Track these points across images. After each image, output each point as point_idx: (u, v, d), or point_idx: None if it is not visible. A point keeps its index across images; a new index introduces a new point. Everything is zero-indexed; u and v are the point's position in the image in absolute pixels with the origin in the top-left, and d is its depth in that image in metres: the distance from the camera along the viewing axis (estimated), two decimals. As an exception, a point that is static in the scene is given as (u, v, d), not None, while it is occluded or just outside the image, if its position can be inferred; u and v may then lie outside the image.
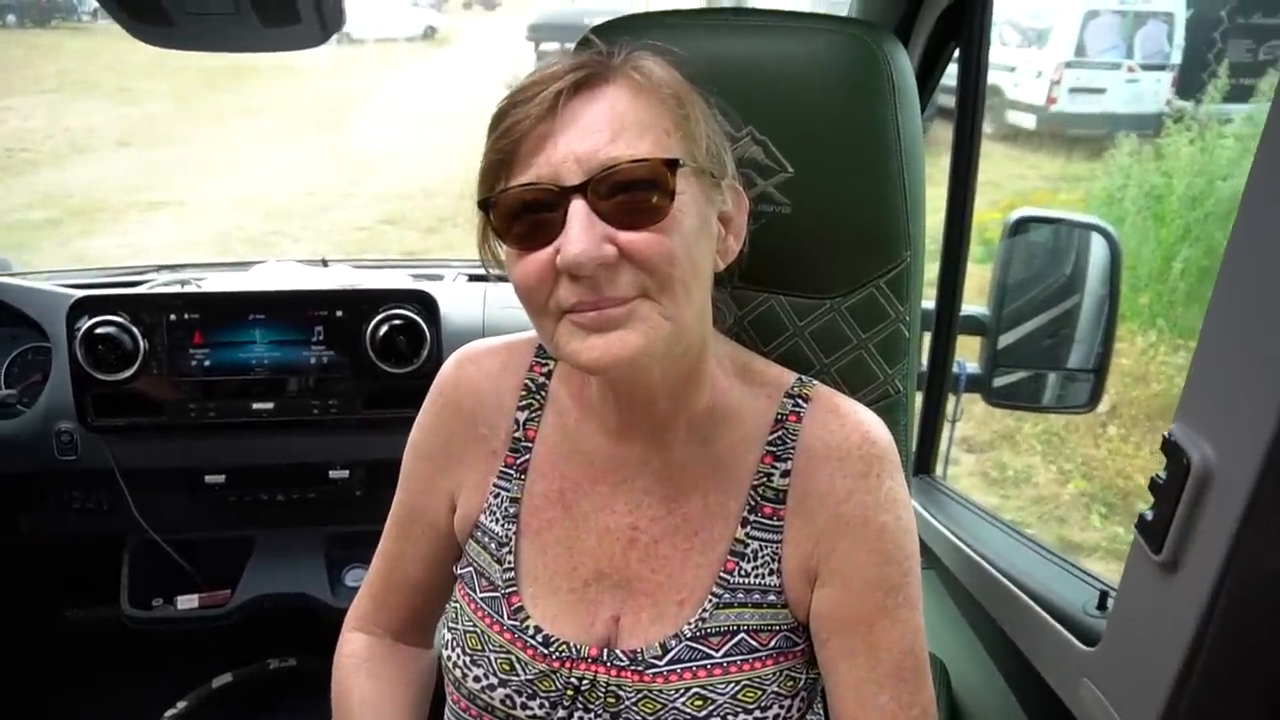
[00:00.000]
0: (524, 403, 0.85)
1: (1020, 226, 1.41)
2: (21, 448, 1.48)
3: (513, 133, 0.69)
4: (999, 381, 1.44)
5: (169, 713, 1.68)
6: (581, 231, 0.65)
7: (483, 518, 0.83)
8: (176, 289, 1.57)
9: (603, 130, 0.68)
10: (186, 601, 1.58)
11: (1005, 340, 1.44)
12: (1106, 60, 8.51)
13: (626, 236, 0.67)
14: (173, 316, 1.47)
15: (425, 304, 1.51)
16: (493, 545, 0.82)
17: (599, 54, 0.73)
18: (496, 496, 0.83)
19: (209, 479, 1.56)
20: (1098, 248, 1.38)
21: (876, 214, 0.85)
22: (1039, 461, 3.68)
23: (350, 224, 7.62)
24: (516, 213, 0.69)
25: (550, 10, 7.57)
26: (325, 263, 1.75)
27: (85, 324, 1.44)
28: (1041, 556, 1.08)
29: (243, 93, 11.59)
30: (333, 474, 1.58)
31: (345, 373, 1.52)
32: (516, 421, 0.84)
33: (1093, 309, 1.42)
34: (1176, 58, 8.28)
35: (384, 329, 1.48)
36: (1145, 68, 8.32)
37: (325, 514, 1.64)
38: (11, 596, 1.81)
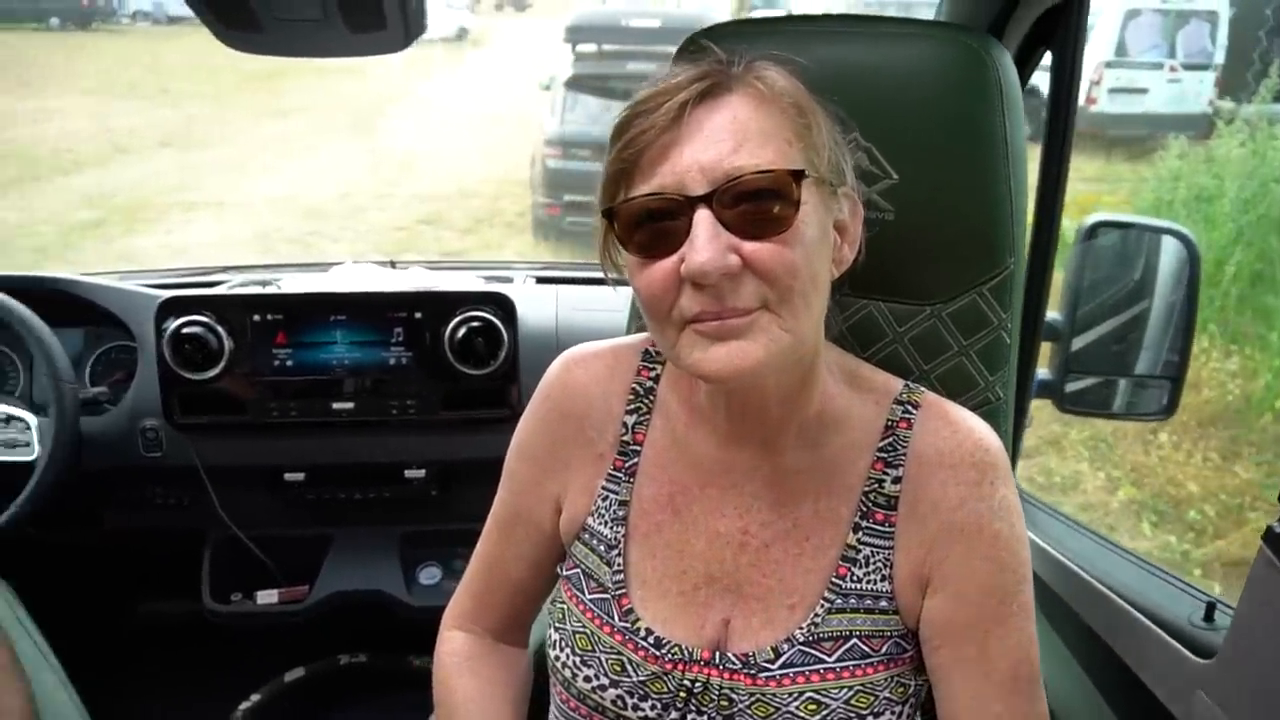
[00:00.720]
0: (632, 407, 0.86)
1: (1095, 231, 1.40)
2: (107, 445, 1.52)
3: (637, 143, 0.70)
4: (1070, 387, 1.43)
5: (243, 705, 1.72)
6: (707, 241, 0.66)
7: (590, 520, 0.84)
8: (257, 290, 1.60)
9: (726, 140, 0.68)
10: (266, 596, 1.62)
11: (1076, 345, 1.44)
12: (1147, 60, 8.40)
13: (750, 247, 0.67)
14: (256, 317, 1.51)
15: (503, 306, 1.53)
16: (601, 548, 0.83)
17: (719, 62, 0.74)
18: (605, 499, 0.84)
19: (289, 477, 1.59)
20: (1172, 251, 1.37)
21: (982, 221, 0.85)
22: (1086, 468, 3.64)
23: (388, 224, 7.70)
24: (640, 221, 0.70)
25: (587, 12, 7.55)
26: (394, 264, 1.78)
27: (173, 324, 1.48)
28: (1136, 566, 1.07)
29: (278, 94, 11.74)
30: (408, 474, 1.60)
31: (423, 373, 1.54)
32: (625, 425, 0.85)
33: (1163, 314, 1.41)
34: (1220, 57, 8.16)
35: (462, 331, 1.50)
36: (1187, 67, 8.21)
37: (400, 513, 1.67)
38: (91, 590, 1.86)
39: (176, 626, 1.86)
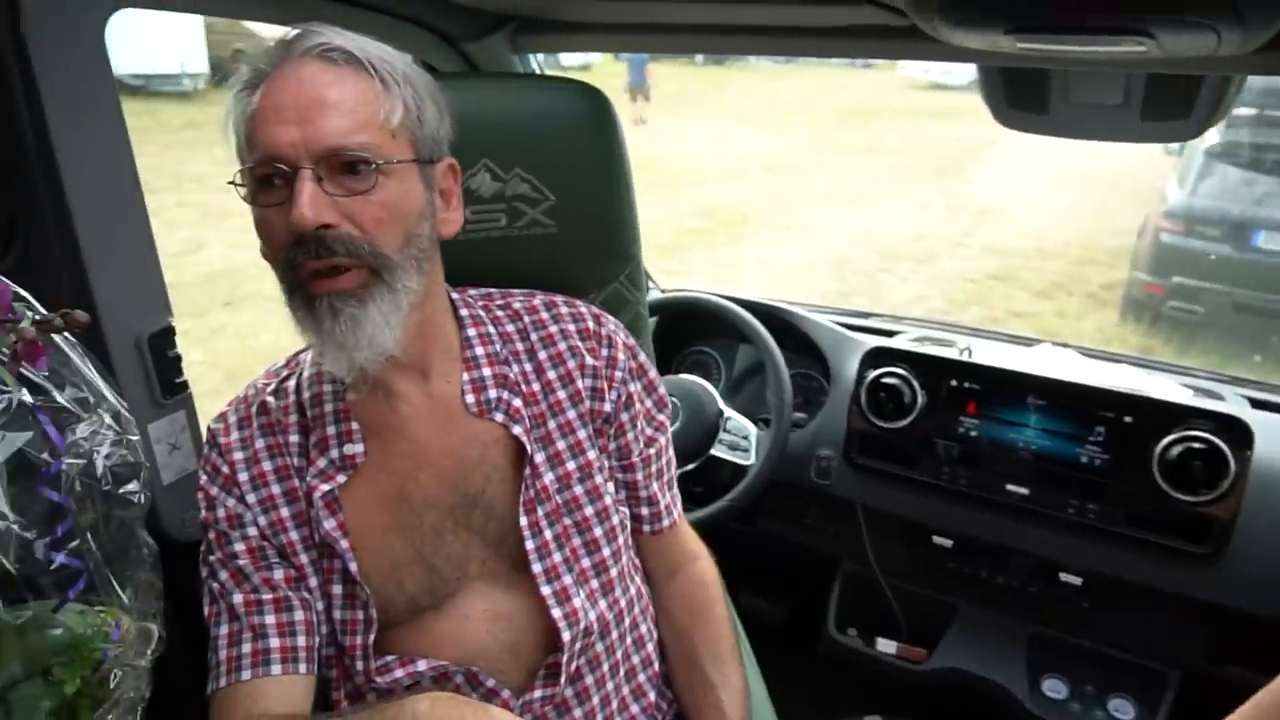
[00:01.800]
0: None
1: None
2: (788, 461, 1.69)
3: None
4: None
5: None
6: None
7: None
8: (954, 354, 1.63)
9: None
10: (885, 644, 1.66)
11: None
12: None
13: None
14: (954, 382, 1.54)
15: (1235, 430, 1.34)
16: None
17: None
18: None
19: (937, 540, 1.61)
20: None
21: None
22: None
23: (959, 274, 7.57)
24: None
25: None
26: (1095, 356, 1.68)
27: (874, 373, 1.58)
28: None
29: (872, 133, 12.30)
30: (1064, 577, 1.51)
31: (1117, 481, 1.43)
32: None
33: None
34: None
35: (1178, 450, 1.35)
36: None
37: (1037, 612, 1.59)
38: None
39: (769, 626, 2.01)
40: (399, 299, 0.86)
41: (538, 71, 1.64)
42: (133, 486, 0.74)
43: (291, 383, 0.99)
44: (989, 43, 1.06)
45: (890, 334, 1.84)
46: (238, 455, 0.95)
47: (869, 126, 12.68)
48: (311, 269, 0.82)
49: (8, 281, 0.75)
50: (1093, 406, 1.44)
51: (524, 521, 0.96)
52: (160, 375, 1.14)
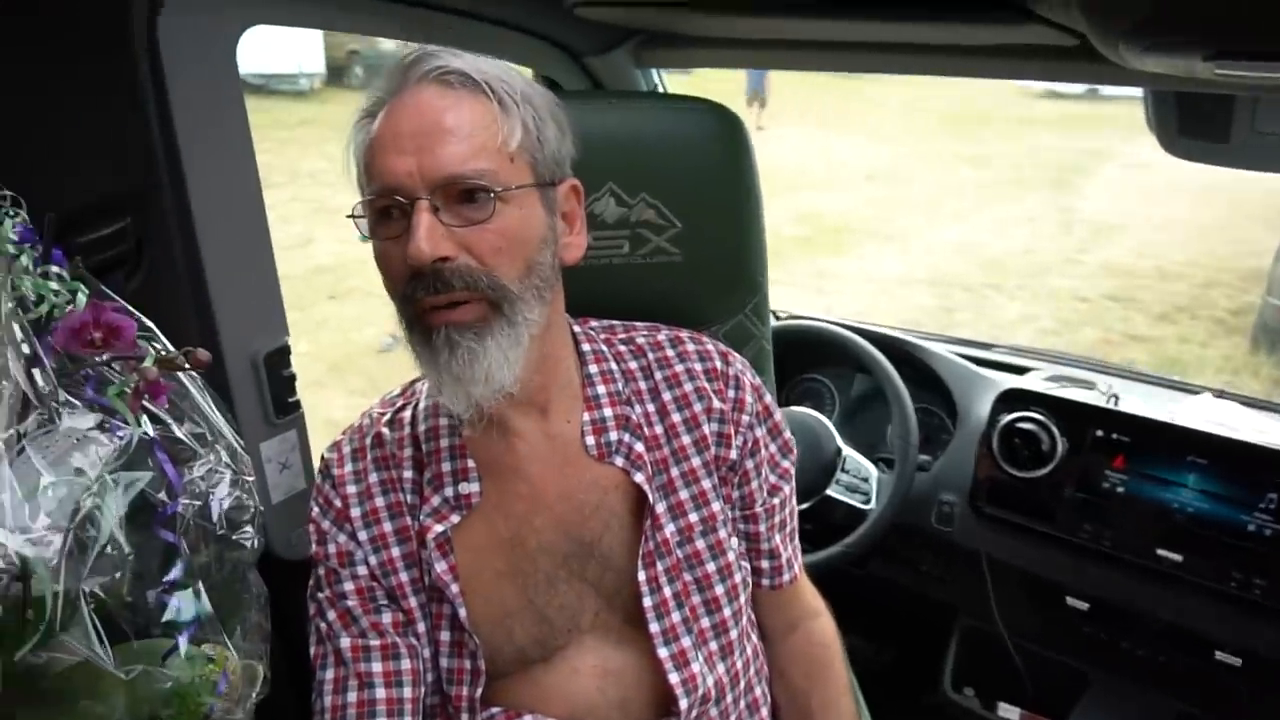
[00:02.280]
0: None
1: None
2: (908, 503, 1.58)
3: None
4: None
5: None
6: None
7: None
8: (1098, 399, 1.50)
9: None
10: (1008, 710, 1.54)
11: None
12: None
13: None
14: (1099, 432, 1.41)
15: None
16: None
17: None
18: None
19: (1071, 601, 1.48)
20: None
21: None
22: None
23: (1070, 292, 7.21)
24: None
25: None
26: (1260, 406, 1.52)
27: (1008, 417, 1.46)
28: None
29: (977, 141, 11.86)
30: (1219, 656, 1.36)
31: (1290, 555, 1.28)
32: None
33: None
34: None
35: (1369, 525, 1.20)
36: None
37: (1185, 690, 1.44)
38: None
39: (873, 670, 1.90)
40: (519, 333, 0.82)
41: (659, 85, 1.58)
42: (248, 532, 0.71)
43: (407, 414, 0.95)
44: (1181, 69, 0.94)
45: (1020, 370, 1.71)
46: (351, 489, 0.92)
47: (978, 135, 12.24)
48: (429, 304, 0.79)
49: (133, 310, 0.73)
50: (1266, 470, 1.29)
51: (642, 576, 0.90)
52: (274, 394, 1.12)
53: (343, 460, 0.94)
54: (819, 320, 1.71)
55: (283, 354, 1.12)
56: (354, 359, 5.23)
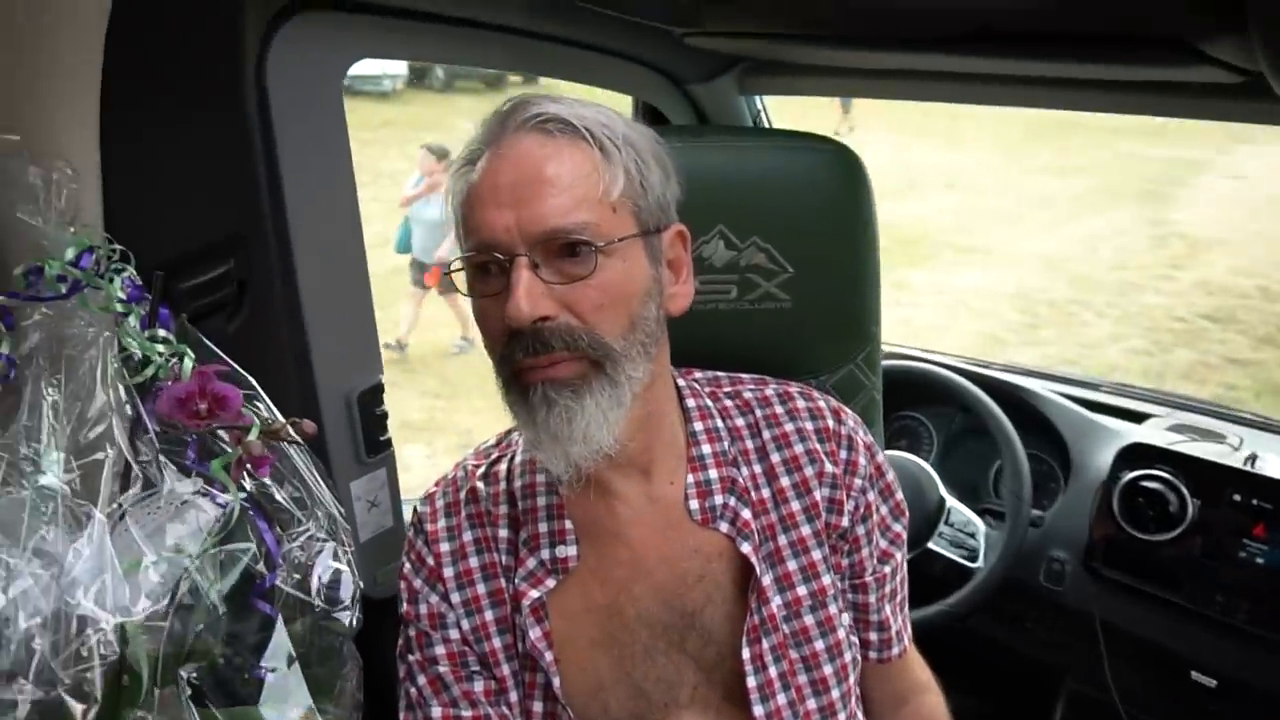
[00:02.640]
0: None
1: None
2: (1011, 552, 1.49)
3: None
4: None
5: None
6: None
7: None
8: (1234, 457, 1.37)
9: None
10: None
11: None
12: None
13: None
14: (1237, 496, 1.29)
15: None
16: None
17: None
18: None
19: (1197, 677, 1.36)
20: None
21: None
22: None
23: (1165, 311, 6.89)
24: None
25: None
26: None
27: (1130, 474, 1.35)
28: None
29: (1064, 151, 11.44)
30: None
31: None
32: None
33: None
34: None
35: None
36: None
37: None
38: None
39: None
40: (621, 392, 0.77)
41: (761, 110, 1.52)
42: (345, 614, 0.67)
43: (502, 467, 0.91)
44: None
45: (1136, 415, 1.59)
46: (444, 547, 0.88)
47: (1064, 143, 11.81)
48: (528, 364, 0.75)
49: (237, 368, 0.70)
50: None
51: (747, 654, 0.84)
52: (366, 433, 1.10)
53: (435, 515, 0.90)
54: (922, 359, 1.62)
55: (376, 392, 1.09)
56: (428, 360, 5.30)
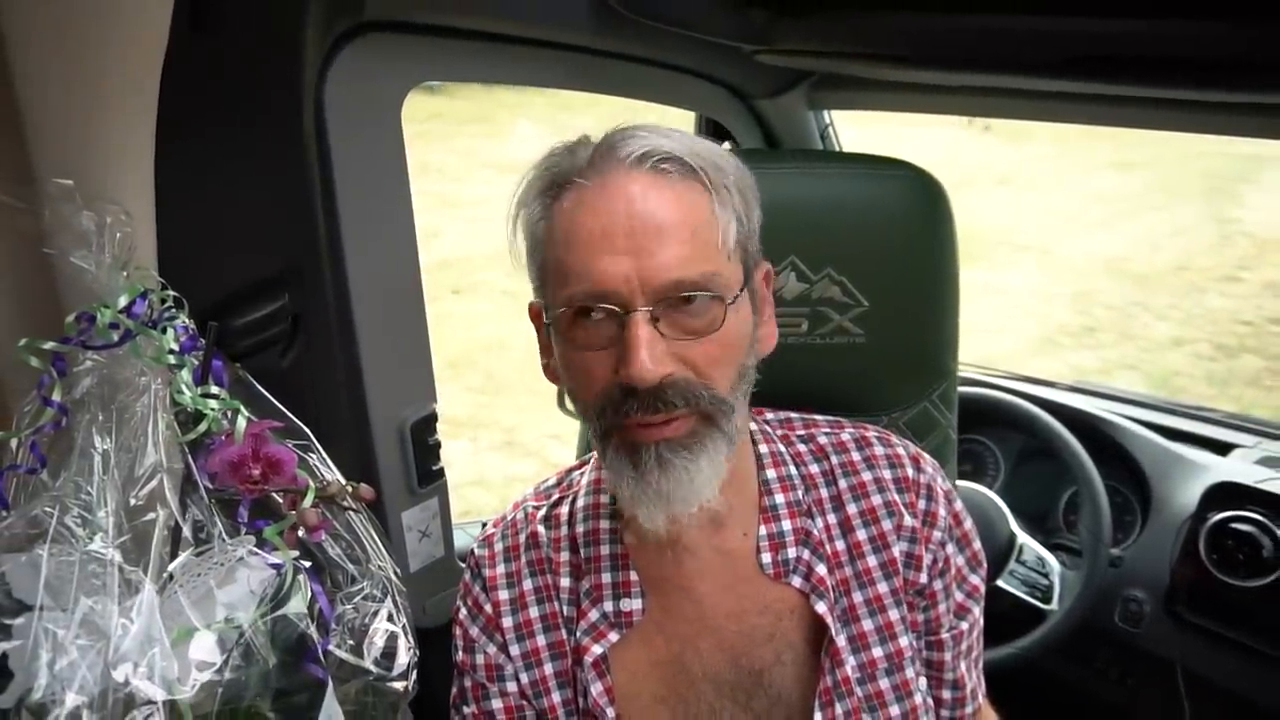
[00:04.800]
0: None
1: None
2: (1089, 596, 1.41)
3: None
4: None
5: None
6: None
7: None
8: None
9: None
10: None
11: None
12: None
13: None
14: (1340, 543, 1.21)
15: None
16: None
17: None
18: None
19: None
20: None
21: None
22: None
23: (1229, 314, 6.64)
24: None
25: None
26: None
27: (1218, 515, 1.27)
28: None
29: (1124, 145, 11.07)
30: None
31: None
32: None
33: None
34: None
35: None
36: None
37: None
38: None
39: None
40: (731, 446, 0.73)
41: (830, 123, 1.45)
42: (400, 683, 0.64)
43: (564, 509, 0.87)
44: None
45: (1219, 445, 1.50)
46: (503, 595, 0.84)
47: (1121, 136, 11.43)
48: (644, 422, 0.70)
49: (293, 417, 0.67)
50: None
51: (819, 718, 0.79)
52: (419, 463, 1.07)
53: (494, 559, 0.86)
54: (990, 383, 1.55)
55: (429, 421, 1.06)
56: (473, 356, 5.29)
